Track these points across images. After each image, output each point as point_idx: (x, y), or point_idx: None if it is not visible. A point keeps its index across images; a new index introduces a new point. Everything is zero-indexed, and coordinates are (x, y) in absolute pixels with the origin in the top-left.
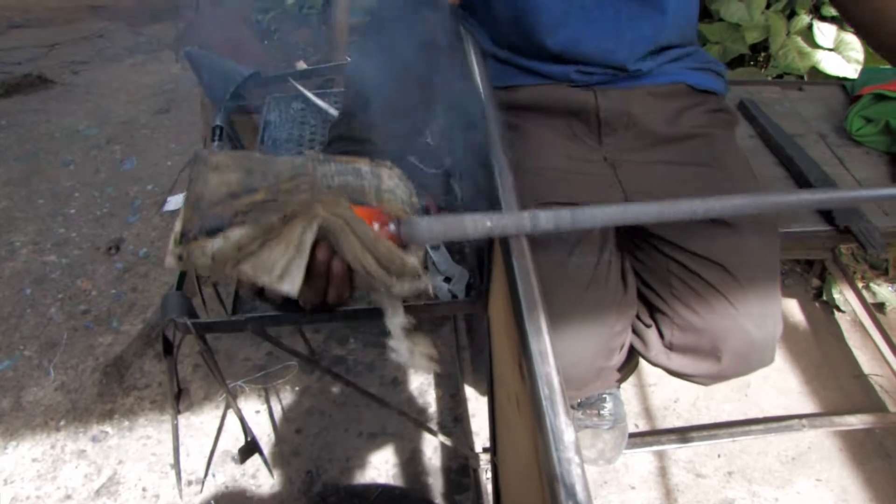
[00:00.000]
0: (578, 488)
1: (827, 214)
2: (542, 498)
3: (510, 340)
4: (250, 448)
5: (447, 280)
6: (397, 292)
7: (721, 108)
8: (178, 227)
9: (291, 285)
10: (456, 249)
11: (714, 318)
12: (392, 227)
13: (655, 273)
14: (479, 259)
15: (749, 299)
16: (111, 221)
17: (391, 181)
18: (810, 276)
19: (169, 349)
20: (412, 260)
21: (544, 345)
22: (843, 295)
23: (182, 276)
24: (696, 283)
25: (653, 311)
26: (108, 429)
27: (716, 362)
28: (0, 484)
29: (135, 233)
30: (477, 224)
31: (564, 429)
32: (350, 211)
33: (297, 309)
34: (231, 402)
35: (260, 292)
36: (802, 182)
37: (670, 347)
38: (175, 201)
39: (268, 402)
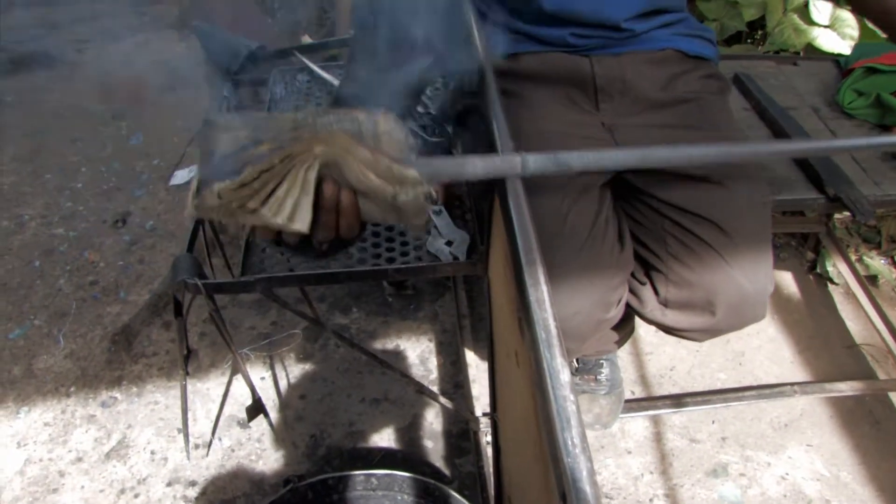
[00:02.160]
0: (573, 423)
1: (818, 183)
2: (540, 443)
3: (509, 297)
4: (257, 408)
5: (449, 244)
6: (402, 201)
7: (713, 74)
8: (194, 183)
9: (302, 223)
10: (458, 215)
11: (708, 273)
12: None
13: (651, 232)
14: (480, 224)
15: (741, 255)
16: (118, 195)
17: (387, 125)
18: (804, 250)
19: (179, 310)
20: (411, 171)
21: (542, 293)
22: (836, 268)
23: (193, 239)
24: (690, 240)
25: (648, 269)
26: (117, 394)
27: (710, 316)
28: (14, 447)
29: (141, 206)
30: (472, 165)
31: (560, 369)
32: (347, 138)
33: (313, 250)
34: (238, 364)
35: (277, 239)
36: None
37: (665, 304)
38: (181, 175)
39: (272, 369)
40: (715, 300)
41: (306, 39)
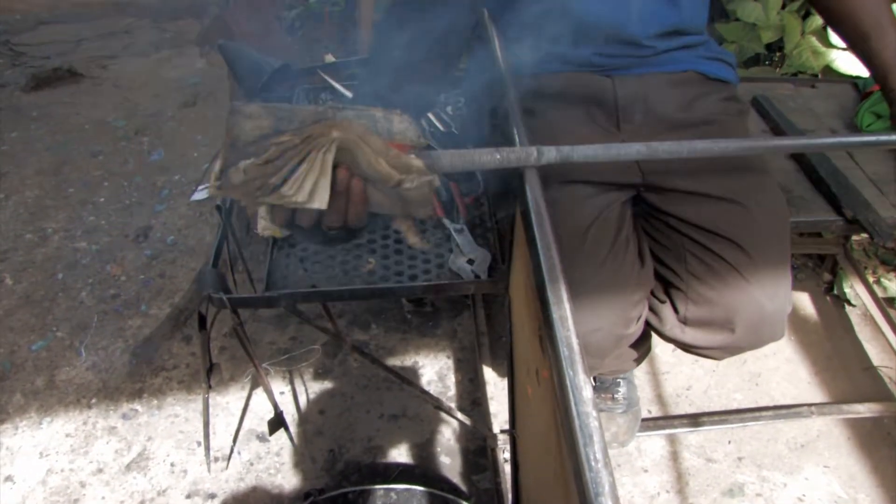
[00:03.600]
0: (596, 438)
1: (836, 204)
2: (561, 459)
3: (530, 315)
4: (278, 421)
5: (470, 262)
6: (407, 188)
7: (732, 97)
8: (217, 165)
9: (321, 202)
10: (479, 234)
11: (728, 292)
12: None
13: (671, 251)
14: (501, 243)
15: (761, 273)
16: (139, 210)
17: (402, 125)
18: (822, 271)
19: (204, 324)
20: (418, 161)
21: (564, 311)
22: (853, 289)
23: (217, 254)
24: (710, 258)
25: (668, 287)
26: (138, 407)
27: (729, 334)
28: (36, 457)
29: (162, 221)
30: (488, 157)
31: (583, 385)
32: (363, 127)
33: (322, 234)
34: (261, 377)
35: (290, 222)
36: (813, 175)
37: (685, 321)
38: (202, 191)
39: (292, 383)
40: (734, 318)
41: (329, 58)
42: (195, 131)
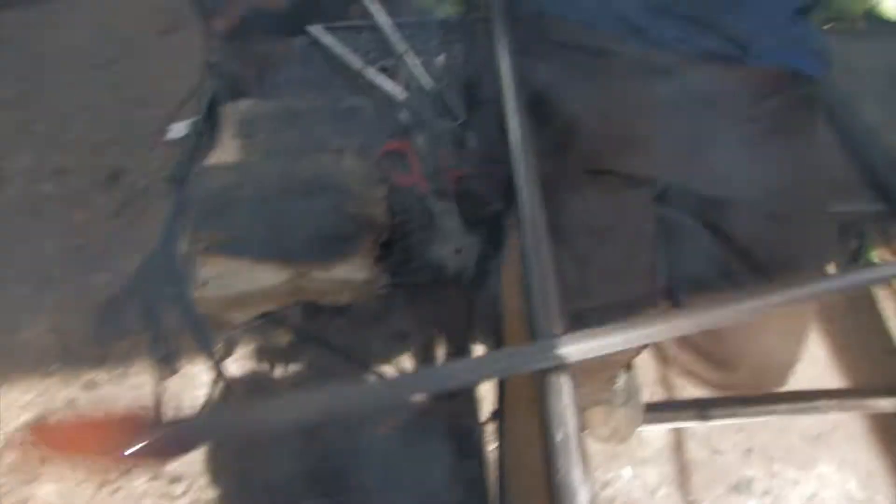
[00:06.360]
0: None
1: (884, 190)
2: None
3: (522, 325)
4: None
5: (457, 252)
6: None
7: (811, 96)
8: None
9: None
10: (472, 217)
11: (739, 331)
12: None
13: (687, 265)
14: (492, 230)
15: (780, 319)
16: (111, 149)
17: (351, 162)
18: (846, 238)
19: (152, 318)
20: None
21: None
22: (881, 260)
23: (169, 237)
24: (728, 286)
25: (676, 303)
26: (101, 376)
27: (728, 372)
28: None
29: (136, 162)
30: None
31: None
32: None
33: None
34: (218, 366)
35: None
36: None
37: (682, 346)
38: (177, 129)
39: (264, 355)
40: (738, 359)
41: None
42: (175, 60)
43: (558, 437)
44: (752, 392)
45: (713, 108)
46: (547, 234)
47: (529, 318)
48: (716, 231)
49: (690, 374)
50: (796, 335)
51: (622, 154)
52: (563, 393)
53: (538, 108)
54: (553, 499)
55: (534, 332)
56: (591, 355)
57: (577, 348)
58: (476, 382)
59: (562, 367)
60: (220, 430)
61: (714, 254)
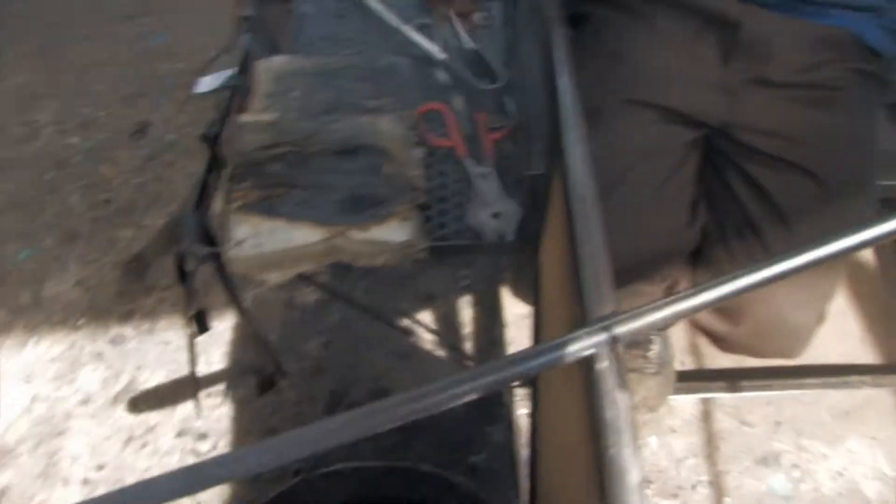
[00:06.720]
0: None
1: None
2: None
3: (564, 291)
4: (270, 381)
5: (496, 216)
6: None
7: (875, 73)
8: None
9: None
10: (510, 182)
11: None
12: None
13: (715, 212)
14: (534, 194)
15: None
16: (138, 102)
17: (388, 125)
18: (890, 213)
19: (184, 276)
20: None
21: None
22: None
23: (202, 195)
24: (752, 239)
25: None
26: (128, 331)
27: (732, 325)
28: (22, 381)
29: (163, 116)
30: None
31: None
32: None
33: None
34: (252, 324)
35: None
36: None
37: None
38: (206, 82)
39: (293, 312)
40: (743, 310)
41: None
42: (205, 11)
43: (608, 414)
44: (760, 355)
45: (767, 59)
46: (598, 204)
47: (578, 297)
48: (750, 183)
49: (696, 322)
50: (813, 301)
51: (665, 86)
52: (613, 373)
53: (582, 38)
54: (601, 477)
55: (583, 312)
56: (640, 335)
57: (627, 328)
58: (527, 376)
59: (612, 346)
60: None
61: (744, 206)
